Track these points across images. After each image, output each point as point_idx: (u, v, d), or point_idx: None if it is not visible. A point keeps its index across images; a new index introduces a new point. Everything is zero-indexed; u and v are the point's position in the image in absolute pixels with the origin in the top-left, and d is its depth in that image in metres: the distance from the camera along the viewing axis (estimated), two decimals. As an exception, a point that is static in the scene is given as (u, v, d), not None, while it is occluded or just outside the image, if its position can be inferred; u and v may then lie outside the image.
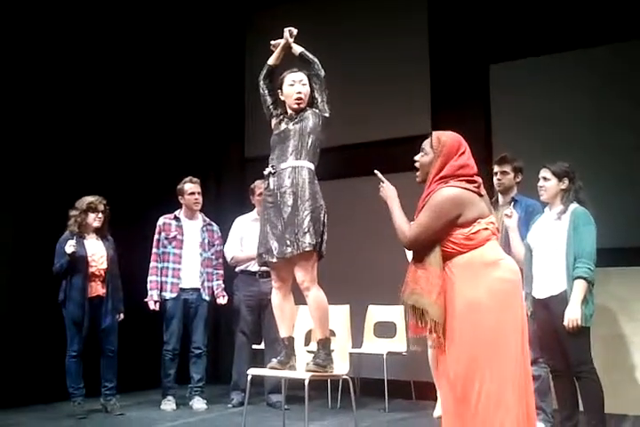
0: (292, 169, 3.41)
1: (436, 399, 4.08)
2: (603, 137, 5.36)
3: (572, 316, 3.35)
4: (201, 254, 5.11)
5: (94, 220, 4.80)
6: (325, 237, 3.39)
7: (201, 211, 5.23)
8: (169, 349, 4.97)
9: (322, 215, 3.39)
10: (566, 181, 3.59)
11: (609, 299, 4.79)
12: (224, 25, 7.16)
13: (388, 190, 2.72)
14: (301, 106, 3.53)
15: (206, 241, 5.15)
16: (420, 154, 2.66)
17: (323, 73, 3.54)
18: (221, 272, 5.22)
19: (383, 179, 2.77)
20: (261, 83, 3.66)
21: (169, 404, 4.95)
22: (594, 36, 5.45)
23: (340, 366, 3.70)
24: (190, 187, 5.11)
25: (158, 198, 5.65)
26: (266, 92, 3.65)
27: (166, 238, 5.06)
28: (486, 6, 5.95)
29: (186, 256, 5.06)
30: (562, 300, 3.42)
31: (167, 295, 4.98)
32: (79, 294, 4.66)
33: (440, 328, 2.45)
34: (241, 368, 4.82)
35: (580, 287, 3.38)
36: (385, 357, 5.08)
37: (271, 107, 3.65)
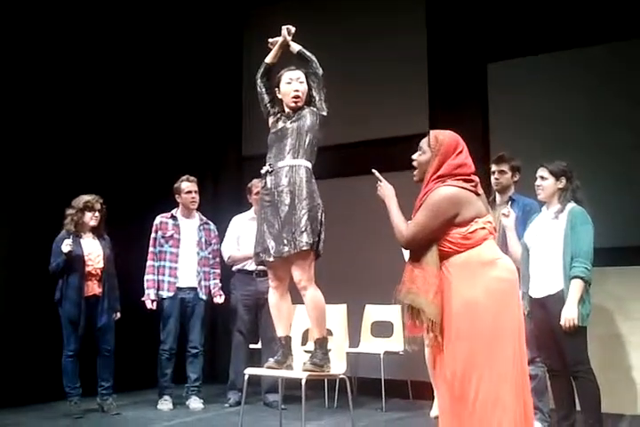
0: (289, 168, 3.40)
1: (433, 399, 4.08)
2: (600, 136, 5.37)
3: (569, 315, 3.35)
4: (198, 253, 5.09)
5: (91, 219, 4.78)
6: (323, 236, 3.39)
7: (198, 209, 5.21)
8: (166, 348, 4.96)
9: (319, 214, 3.38)
10: (564, 181, 3.59)
11: (606, 298, 4.79)
12: (221, 23, 7.14)
13: (386, 189, 2.71)
14: (299, 104, 3.52)
15: (203, 240, 5.14)
16: (418, 153, 2.65)
17: (320, 71, 3.52)
18: (218, 271, 5.20)
19: (381, 178, 2.75)
20: (259, 81, 3.64)
21: (166, 403, 4.94)
22: (591, 35, 5.46)
23: (337, 366, 3.69)
24: (187, 185, 5.10)
25: (155, 197, 5.63)
26: (263, 90, 3.64)
27: (163, 237, 5.05)
28: (484, 5, 5.95)
29: (183, 255, 5.05)
30: (559, 299, 3.42)
31: (164, 294, 4.98)
32: (75, 293, 4.64)
33: (437, 328, 2.45)
34: (238, 368, 4.82)
35: (576, 287, 3.38)
36: (382, 356, 5.07)
37: (268, 105, 3.63)
